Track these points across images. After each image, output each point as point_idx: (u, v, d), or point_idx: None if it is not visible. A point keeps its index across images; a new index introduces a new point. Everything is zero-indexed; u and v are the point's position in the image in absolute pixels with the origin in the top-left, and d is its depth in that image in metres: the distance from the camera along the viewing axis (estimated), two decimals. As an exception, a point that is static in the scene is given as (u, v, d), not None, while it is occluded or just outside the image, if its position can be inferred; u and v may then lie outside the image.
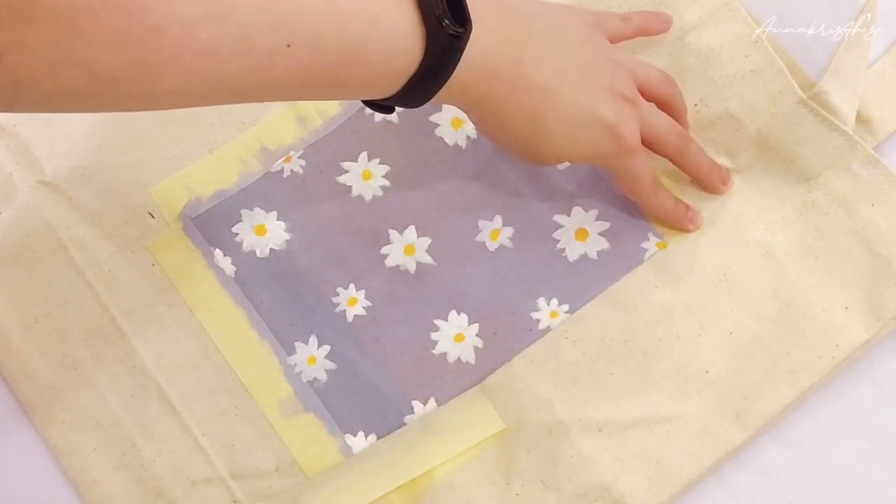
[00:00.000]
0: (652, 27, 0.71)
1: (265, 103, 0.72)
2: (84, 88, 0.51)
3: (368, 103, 0.62)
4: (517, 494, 0.63)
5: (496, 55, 0.61)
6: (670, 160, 0.68)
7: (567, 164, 0.70)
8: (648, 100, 0.67)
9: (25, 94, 0.50)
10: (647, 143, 0.66)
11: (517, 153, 0.66)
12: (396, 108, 0.61)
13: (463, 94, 0.61)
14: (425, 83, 0.59)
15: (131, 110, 0.55)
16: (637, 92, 0.66)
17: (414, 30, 0.57)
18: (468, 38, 0.58)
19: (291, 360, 0.67)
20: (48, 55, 0.49)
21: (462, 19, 0.58)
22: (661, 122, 0.67)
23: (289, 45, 0.54)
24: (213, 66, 0.53)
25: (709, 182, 0.69)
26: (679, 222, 0.68)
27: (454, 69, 0.59)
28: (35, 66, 0.49)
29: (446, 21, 0.57)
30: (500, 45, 0.61)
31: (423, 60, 0.58)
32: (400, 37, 0.57)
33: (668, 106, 0.68)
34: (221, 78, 0.53)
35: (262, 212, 0.71)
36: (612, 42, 0.68)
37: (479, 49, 0.59)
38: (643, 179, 0.66)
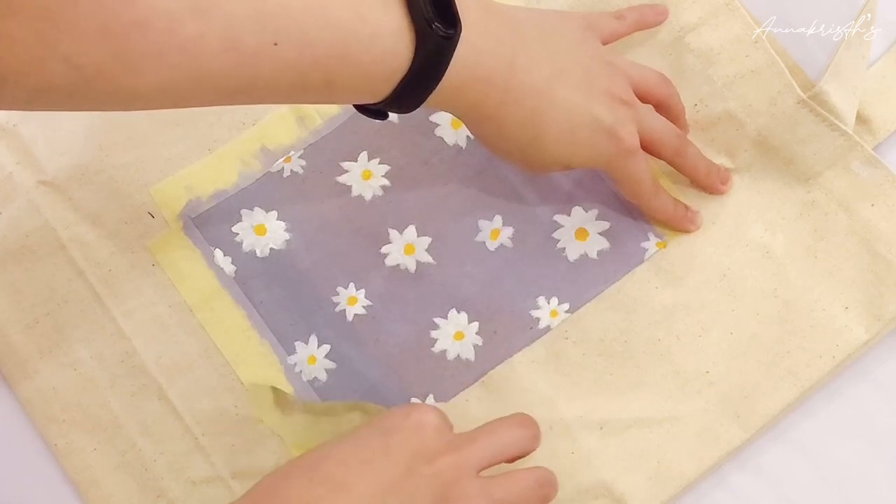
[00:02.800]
0: (647, 21, 0.71)
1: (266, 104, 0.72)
2: (69, 83, 0.50)
3: (362, 109, 0.62)
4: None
5: (489, 58, 0.60)
6: (668, 162, 0.68)
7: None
8: (645, 101, 0.67)
9: (10, 89, 0.50)
10: (645, 146, 0.66)
11: (517, 160, 0.65)
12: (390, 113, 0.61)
13: (457, 99, 0.61)
14: (417, 85, 0.58)
15: (118, 109, 0.55)
16: (633, 95, 0.65)
17: (403, 30, 0.57)
18: (458, 39, 0.58)
19: (291, 359, 0.67)
20: (32, 48, 0.49)
21: (451, 21, 0.57)
22: (658, 124, 0.67)
23: (276, 43, 0.54)
24: (199, 62, 0.52)
25: (707, 183, 0.69)
26: (679, 223, 0.68)
27: (446, 70, 0.58)
28: (20, 60, 0.49)
29: (436, 24, 0.57)
30: (493, 48, 0.60)
31: (413, 61, 0.57)
32: (389, 36, 0.57)
33: (666, 106, 0.68)
34: (207, 75, 0.53)
35: (262, 212, 0.71)
36: (608, 41, 0.68)
37: (470, 52, 0.59)
38: (643, 182, 0.66)
